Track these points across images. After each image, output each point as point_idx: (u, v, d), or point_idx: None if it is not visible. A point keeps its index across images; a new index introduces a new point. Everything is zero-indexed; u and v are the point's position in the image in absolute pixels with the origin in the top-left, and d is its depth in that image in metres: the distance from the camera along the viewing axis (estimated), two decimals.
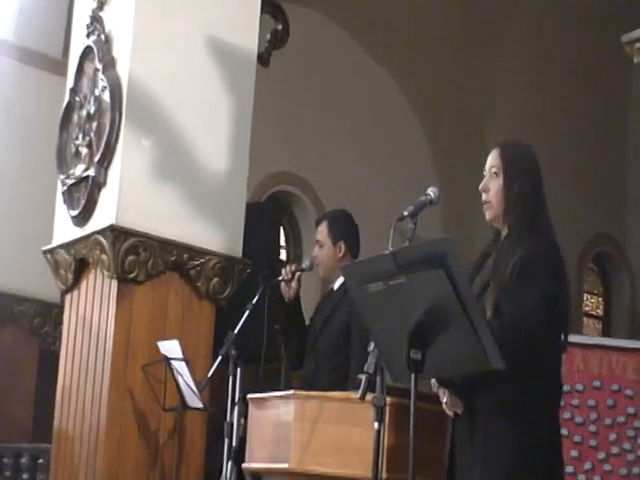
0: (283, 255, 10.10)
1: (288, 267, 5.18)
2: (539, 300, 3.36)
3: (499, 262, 3.49)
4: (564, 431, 6.11)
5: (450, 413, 3.51)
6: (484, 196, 3.64)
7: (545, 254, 3.46)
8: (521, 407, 3.37)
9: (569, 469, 6.06)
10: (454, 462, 3.49)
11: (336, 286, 5.17)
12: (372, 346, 3.27)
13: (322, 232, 5.21)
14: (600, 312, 13.95)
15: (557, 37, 12.26)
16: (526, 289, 3.37)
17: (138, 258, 5.83)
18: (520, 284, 3.38)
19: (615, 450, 6.05)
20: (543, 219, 3.59)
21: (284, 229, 10.28)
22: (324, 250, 5.19)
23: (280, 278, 5.14)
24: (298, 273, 5.13)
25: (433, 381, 3.54)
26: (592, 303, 13.89)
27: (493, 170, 3.61)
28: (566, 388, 6.14)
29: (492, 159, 3.64)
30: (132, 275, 5.82)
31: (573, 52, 12.44)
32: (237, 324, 5.01)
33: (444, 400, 3.49)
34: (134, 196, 5.90)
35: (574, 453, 6.05)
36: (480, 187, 3.64)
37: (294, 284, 5.13)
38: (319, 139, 10.43)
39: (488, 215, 3.63)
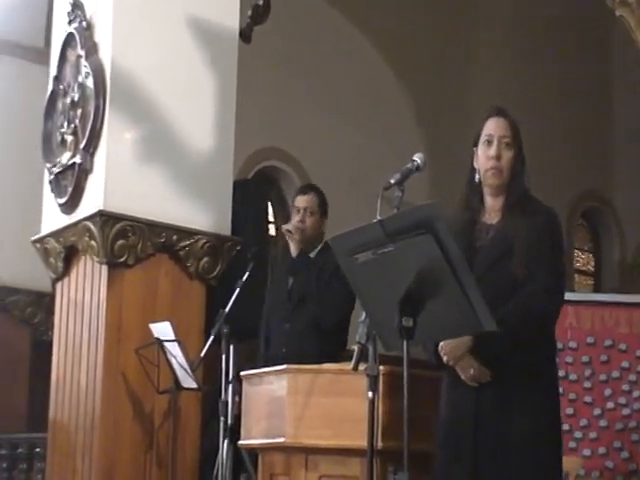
0: (272, 231, 10.09)
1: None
2: (562, 267, 3.62)
3: (518, 228, 3.58)
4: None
5: (475, 384, 3.52)
6: (495, 163, 3.66)
7: (558, 220, 3.68)
8: (543, 370, 3.55)
9: (565, 427, 6.06)
10: (478, 430, 3.50)
11: (313, 254, 5.34)
12: (363, 316, 3.24)
13: (313, 201, 5.39)
14: (591, 268, 13.89)
15: None
16: (554, 255, 3.58)
17: (127, 242, 5.82)
18: (549, 249, 3.56)
19: (610, 405, 6.05)
20: None
21: (272, 205, 10.25)
22: (313, 219, 5.35)
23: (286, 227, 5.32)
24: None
25: (449, 355, 3.53)
26: (582, 259, 13.81)
27: (505, 140, 3.67)
28: (559, 346, 6.14)
29: (502, 129, 3.69)
30: (122, 259, 5.81)
31: (556, 8, 12.37)
32: (228, 301, 5.00)
33: (471, 371, 3.51)
34: (121, 181, 5.87)
35: (569, 411, 6.05)
36: (493, 153, 3.66)
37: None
38: (304, 113, 10.38)
39: (496, 180, 3.67)
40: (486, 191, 3.72)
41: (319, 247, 5.35)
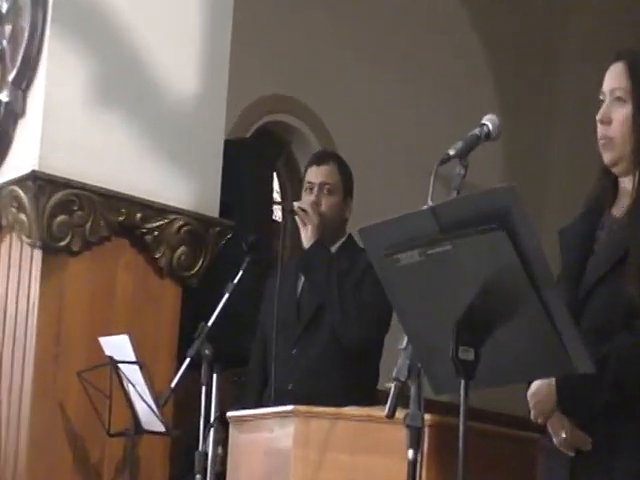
0: (277, 214, 10.08)
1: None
2: None
3: (638, 225, 3.49)
4: None
5: (571, 452, 3.52)
6: (602, 129, 3.59)
7: None
8: None
9: None
10: None
11: (334, 250, 5.37)
12: (404, 342, 3.26)
13: (332, 174, 5.41)
14: None
15: None
16: None
17: (71, 218, 5.85)
18: None
19: None
20: None
21: (279, 176, 10.23)
22: (332, 199, 5.37)
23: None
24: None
25: (536, 409, 3.53)
26: None
27: (617, 94, 3.57)
28: None
29: (614, 77, 3.59)
30: (63, 242, 5.84)
31: None
32: (212, 312, 5.03)
33: (562, 435, 3.51)
34: (65, 131, 5.91)
35: None
36: (598, 117, 3.59)
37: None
38: (327, 50, 10.31)
39: (609, 156, 3.60)
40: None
41: (341, 240, 5.38)
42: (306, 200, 5.38)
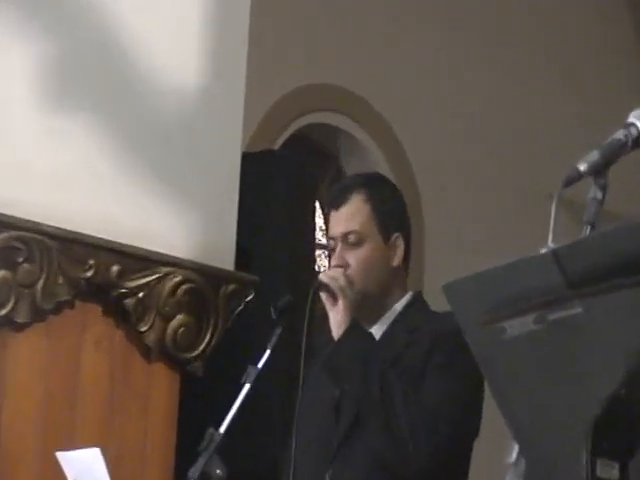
0: (322, 261, 10.16)
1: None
2: None
3: None
4: None
5: None
6: None
7: None
8: None
9: None
10: None
11: (379, 331, 5.31)
12: (514, 454, 3.25)
13: (357, 214, 5.35)
14: None
15: None
16: None
17: (15, 275, 5.90)
18: None
19: None
20: None
21: (323, 206, 10.27)
22: (365, 248, 5.30)
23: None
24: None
25: None
26: None
27: None
28: None
29: None
30: (3, 311, 5.88)
31: None
32: (225, 412, 5.00)
33: None
34: (7, 144, 5.97)
35: None
36: None
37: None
38: (392, 22, 10.47)
39: None
40: None
41: (400, 305, 5.35)
42: (333, 266, 5.34)
